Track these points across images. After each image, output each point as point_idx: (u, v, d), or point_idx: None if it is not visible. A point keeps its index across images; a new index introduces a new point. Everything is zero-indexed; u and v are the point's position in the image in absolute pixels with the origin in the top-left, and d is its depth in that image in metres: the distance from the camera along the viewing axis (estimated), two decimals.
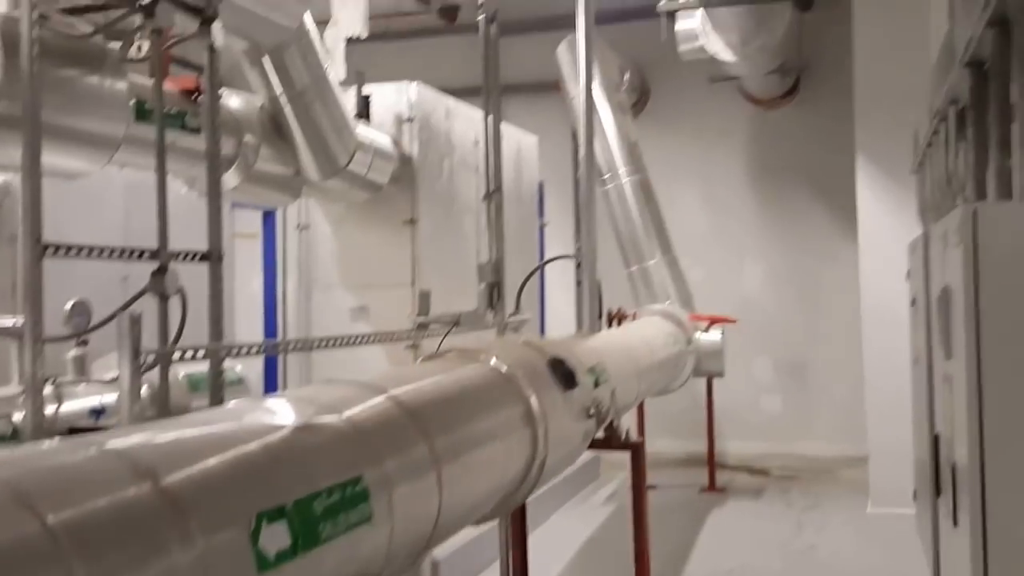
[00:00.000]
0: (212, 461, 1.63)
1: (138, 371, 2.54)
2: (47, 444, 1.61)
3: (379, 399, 2.43)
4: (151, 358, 2.59)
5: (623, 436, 4.57)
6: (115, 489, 1.41)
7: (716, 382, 8.40)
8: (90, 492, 1.38)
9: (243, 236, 8.49)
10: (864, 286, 7.71)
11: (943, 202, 4.59)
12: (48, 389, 3.96)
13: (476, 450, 2.74)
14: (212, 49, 3.69)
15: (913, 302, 5.08)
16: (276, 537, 1.65)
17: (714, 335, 7.78)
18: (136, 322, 2.48)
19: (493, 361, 3.35)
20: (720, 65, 8.57)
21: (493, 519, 3.43)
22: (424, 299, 4.89)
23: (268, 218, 7.43)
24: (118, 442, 1.56)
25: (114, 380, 3.75)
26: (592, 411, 3.77)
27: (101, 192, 7.03)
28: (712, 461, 8.56)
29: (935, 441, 3.70)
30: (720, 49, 8.09)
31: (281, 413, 2.06)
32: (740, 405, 9.82)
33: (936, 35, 5.37)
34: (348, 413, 2.23)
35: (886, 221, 7.48)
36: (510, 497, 3.22)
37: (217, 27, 3.66)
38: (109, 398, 4.16)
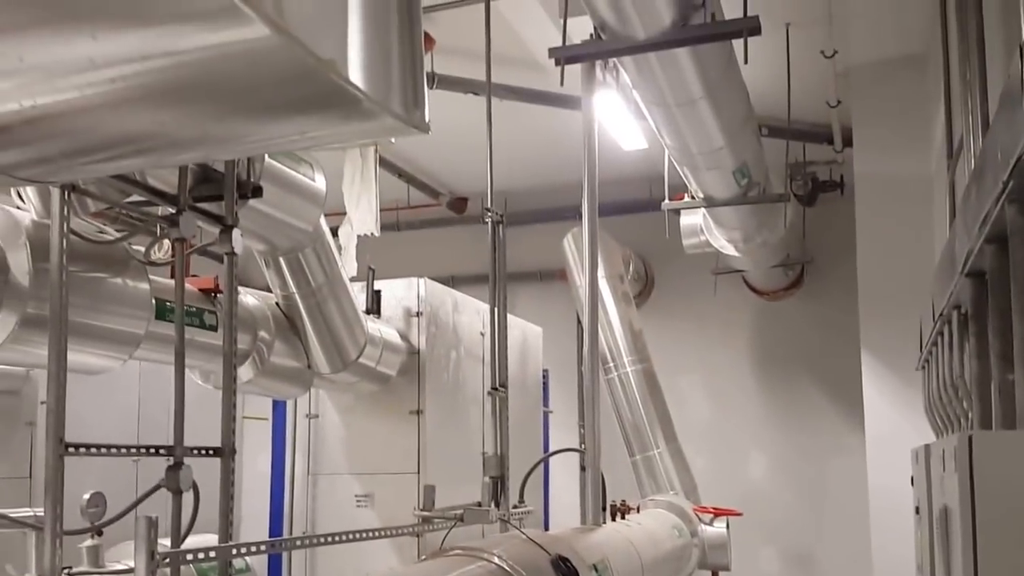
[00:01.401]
0: None
1: (155, 572, 2.60)
2: None
3: None
4: (165, 560, 2.66)
5: None
6: None
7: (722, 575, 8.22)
8: None
9: (253, 419, 8.61)
10: (872, 483, 7.64)
11: (950, 406, 4.58)
12: None
13: None
14: (231, 254, 3.93)
15: (917, 510, 5.07)
16: None
17: (719, 527, 7.68)
18: (153, 525, 2.56)
19: (496, 560, 3.40)
20: (724, 258, 8.84)
21: None
22: (428, 493, 4.94)
23: (278, 404, 7.56)
24: None
25: (128, 571, 3.79)
26: None
27: (116, 378, 7.20)
28: None
29: None
30: (723, 244, 8.36)
31: None
32: None
33: (940, 232, 5.54)
34: None
35: (893, 417, 7.47)
36: None
37: (237, 234, 3.91)
38: None
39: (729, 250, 8.42)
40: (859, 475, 7.93)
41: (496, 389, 5.32)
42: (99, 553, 4.51)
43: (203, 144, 2.18)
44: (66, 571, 4.11)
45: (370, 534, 4.28)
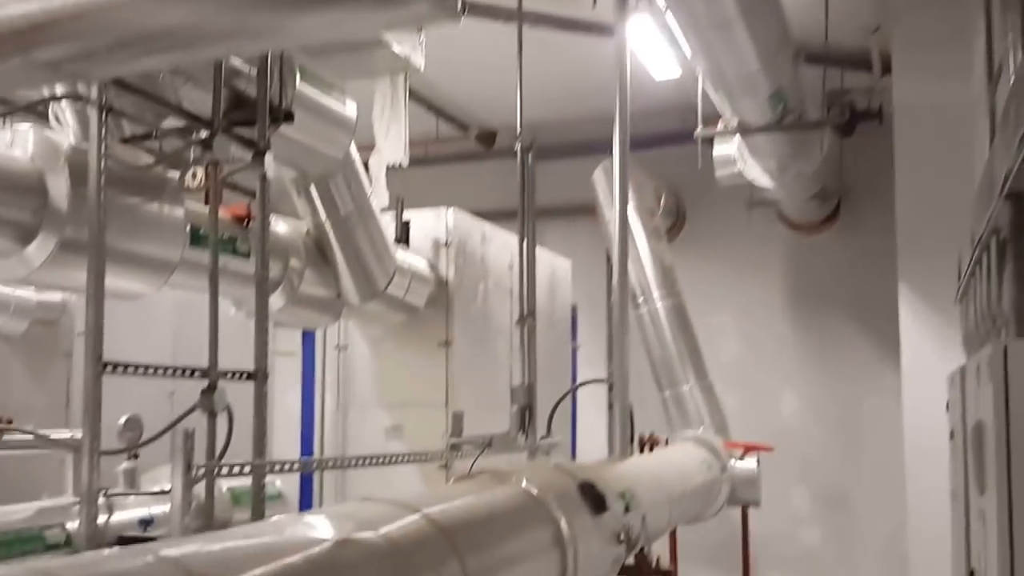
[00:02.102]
0: (259, 570, 1.72)
1: (190, 483, 2.65)
2: (107, 552, 1.72)
3: (414, 517, 2.51)
4: (200, 471, 2.71)
5: (654, 563, 4.54)
6: None
7: (752, 512, 8.25)
8: None
9: (282, 354, 8.71)
10: (907, 419, 7.58)
11: (987, 335, 4.52)
12: (100, 500, 4.10)
13: (507, 570, 2.78)
14: (264, 179, 3.94)
15: (952, 435, 5.04)
16: None
17: (750, 463, 7.68)
18: (189, 437, 2.61)
19: (524, 483, 3.41)
20: (758, 190, 8.69)
21: None
22: (457, 420, 4.98)
23: (307, 337, 7.62)
24: (172, 551, 1.67)
25: (163, 492, 3.88)
26: (622, 536, 3.78)
27: (152, 311, 7.31)
28: None
29: None
30: (758, 175, 8.18)
31: (321, 528, 2.15)
32: (777, 536, 9.59)
33: (980, 158, 5.42)
34: (384, 530, 2.31)
35: (929, 351, 7.35)
36: None
37: (269, 159, 3.92)
38: (157, 509, 4.28)
39: (763, 181, 8.27)
40: (893, 414, 7.88)
41: (524, 318, 5.31)
42: (135, 475, 4.64)
43: (239, 36, 2.21)
44: (103, 492, 4.22)
45: (400, 458, 4.36)
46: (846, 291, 9.96)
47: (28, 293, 7.41)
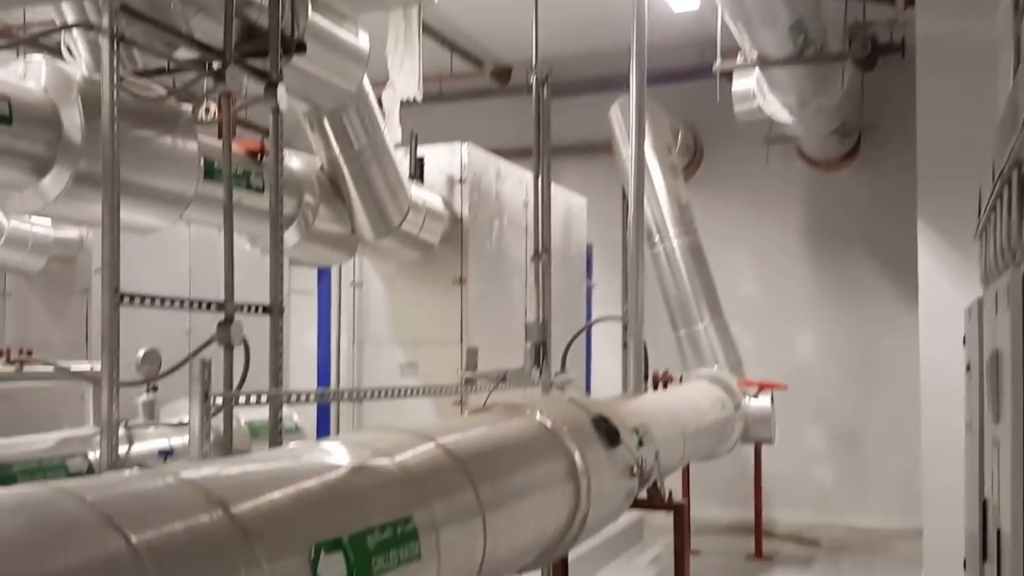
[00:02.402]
0: (276, 494, 1.75)
1: (208, 412, 2.68)
2: (128, 473, 1.75)
3: (429, 446, 2.53)
4: (219, 400, 2.73)
5: (666, 497, 4.57)
6: (190, 514, 1.53)
7: (765, 449, 8.31)
8: (168, 516, 1.50)
9: (299, 292, 8.76)
10: (924, 355, 7.53)
11: (1006, 269, 4.49)
12: (120, 431, 4.17)
13: (520, 500, 2.81)
14: (277, 111, 3.90)
15: (968, 368, 5.03)
16: (333, 567, 1.75)
17: (763, 401, 7.72)
18: (206, 366, 2.63)
19: (538, 416, 3.44)
20: (777, 126, 8.57)
21: (535, 569, 3.48)
22: (472, 355, 5.00)
23: (323, 275, 7.65)
24: (192, 473, 1.69)
25: (181, 424, 3.93)
26: (635, 470, 3.81)
27: (168, 249, 7.33)
28: (759, 529, 8.41)
29: (983, 507, 3.67)
30: (777, 110, 8.05)
31: (337, 454, 2.17)
32: (790, 473, 9.67)
33: (1003, 91, 5.32)
34: (400, 458, 2.33)
35: (947, 288, 7.29)
36: (552, 549, 3.27)
37: (282, 91, 3.88)
38: (176, 441, 4.35)
39: (783, 116, 8.15)
40: (910, 354, 7.82)
41: (539, 254, 5.30)
42: (154, 407, 4.69)
43: None
44: (123, 423, 4.29)
45: (415, 391, 4.39)
46: (865, 229, 9.85)
47: (46, 230, 7.44)
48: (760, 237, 10.31)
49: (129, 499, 1.53)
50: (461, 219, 6.77)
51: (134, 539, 1.40)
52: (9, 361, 4.39)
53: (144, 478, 1.65)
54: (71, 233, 7.64)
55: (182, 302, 3.53)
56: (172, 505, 1.53)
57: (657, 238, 8.23)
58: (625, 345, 7.75)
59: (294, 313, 7.95)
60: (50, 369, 4.66)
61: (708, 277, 8.34)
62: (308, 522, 1.77)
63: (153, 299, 3.42)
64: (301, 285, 8.47)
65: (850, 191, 9.92)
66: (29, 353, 4.50)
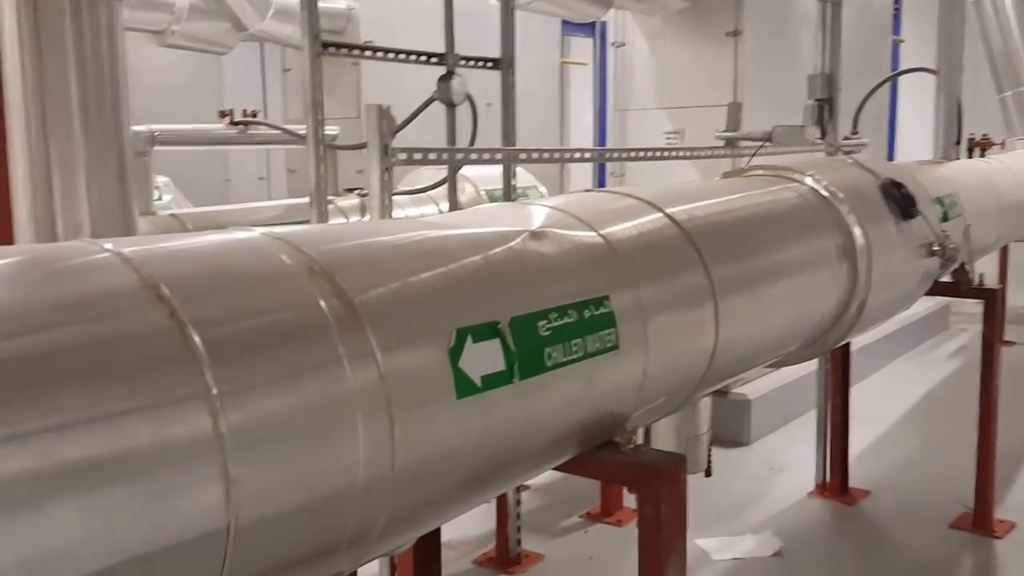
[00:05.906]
0: (402, 267, 1.34)
1: (389, 168, 2.34)
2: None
3: (653, 216, 2.02)
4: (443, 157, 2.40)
5: (976, 281, 3.86)
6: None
7: None
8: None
9: (571, 63, 8.37)
10: None
11: None
12: (353, 199, 4.12)
13: (771, 283, 2.26)
14: None
15: None
16: (483, 358, 1.34)
17: None
18: (384, 115, 2.27)
19: (809, 181, 2.80)
20: None
21: (798, 362, 2.95)
22: (733, 111, 4.35)
23: (603, 45, 7.23)
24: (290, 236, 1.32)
25: (425, 189, 3.72)
26: (936, 248, 3.13)
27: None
28: None
29: None
30: None
31: (519, 219, 1.72)
32: None
33: None
34: (609, 228, 1.85)
35: None
36: (818, 340, 2.72)
37: None
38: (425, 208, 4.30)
39: None
40: None
41: None
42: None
43: None
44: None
45: (673, 153, 3.89)
46: None
47: None
48: None
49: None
50: None
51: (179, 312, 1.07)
52: (233, 123, 4.33)
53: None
54: (339, 4, 7.52)
55: (396, 53, 3.14)
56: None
57: None
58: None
59: (572, 83, 7.60)
60: (277, 132, 4.57)
61: None
62: (447, 301, 1.35)
63: (363, 48, 3.08)
64: (576, 56, 8.14)
65: None
66: (254, 115, 4.41)
